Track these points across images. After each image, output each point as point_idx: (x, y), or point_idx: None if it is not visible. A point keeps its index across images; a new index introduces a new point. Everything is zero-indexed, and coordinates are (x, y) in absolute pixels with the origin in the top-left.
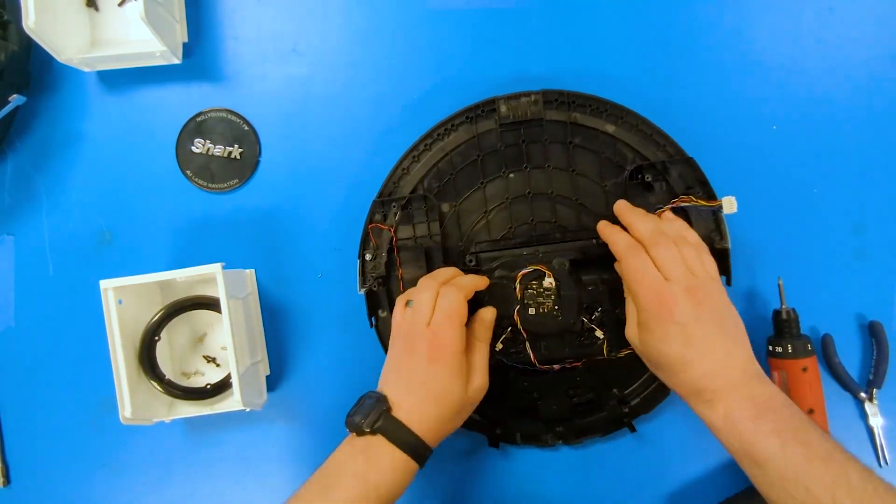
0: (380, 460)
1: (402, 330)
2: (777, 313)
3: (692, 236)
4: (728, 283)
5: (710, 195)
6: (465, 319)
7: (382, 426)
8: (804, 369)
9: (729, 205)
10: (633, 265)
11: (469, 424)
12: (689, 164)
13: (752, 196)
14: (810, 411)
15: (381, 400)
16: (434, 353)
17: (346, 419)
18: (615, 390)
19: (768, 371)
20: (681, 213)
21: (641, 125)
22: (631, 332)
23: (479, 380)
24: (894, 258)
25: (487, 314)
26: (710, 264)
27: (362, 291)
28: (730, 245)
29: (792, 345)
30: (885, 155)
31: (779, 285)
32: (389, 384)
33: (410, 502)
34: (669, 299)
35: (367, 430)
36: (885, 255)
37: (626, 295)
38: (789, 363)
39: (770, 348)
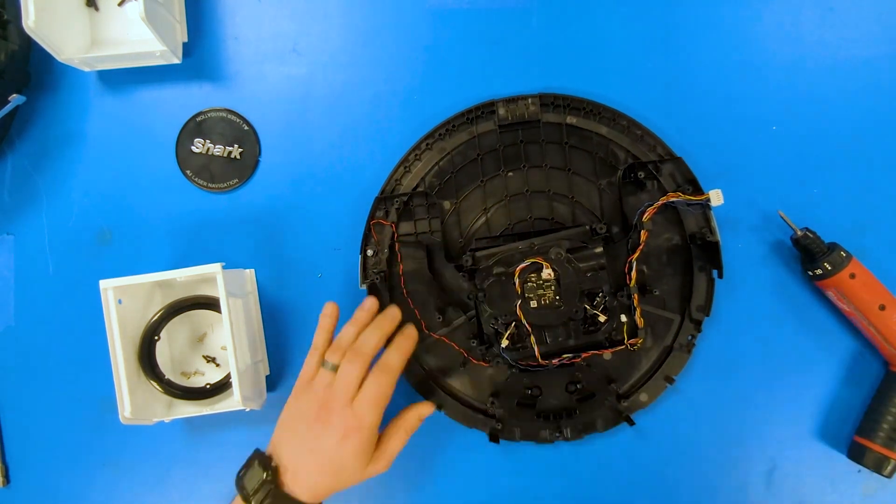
0: None
1: (316, 394)
2: (796, 240)
3: None
4: (720, 275)
5: (699, 193)
6: (388, 402)
7: (270, 502)
8: (852, 276)
9: (716, 197)
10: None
11: (469, 420)
12: (679, 163)
13: (752, 196)
14: (882, 307)
15: (270, 471)
16: (350, 433)
17: (236, 480)
18: (614, 385)
19: (821, 294)
20: (670, 209)
21: (633, 127)
22: None
23: (383, 465)
24: (894, 258)
25: (426, 410)
26: None
27: (363, 287)
28: (719, 239)
29: (828, 261)
30: (885, 155)
31: (781, 216)
32: (286, 448)
33: (410, 497)
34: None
35: None
36: (885, 254)
37: None
38: (835, 279)
39: (810, 274)
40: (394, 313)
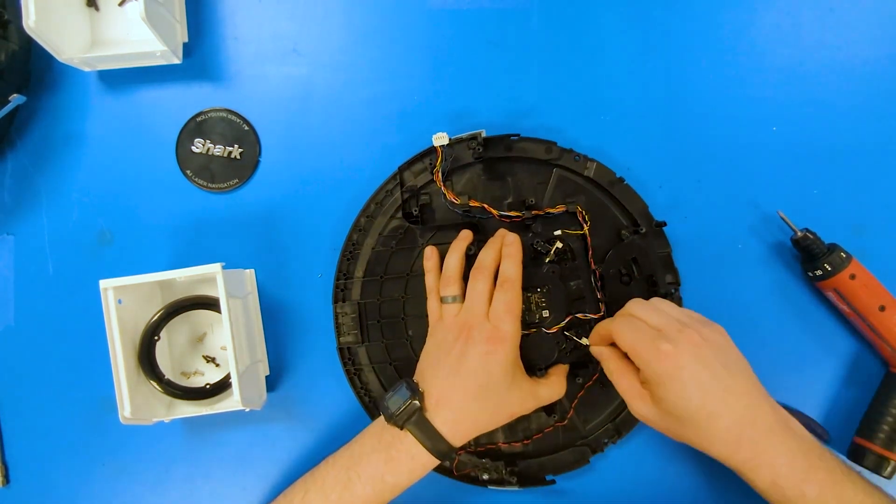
0: (400, 462)
1: (450, 323)
2: (796, 241)
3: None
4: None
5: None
6: (520, 314)
7: (412, 426)
8: (852, 276)
9: (439, 139)
10: (626, 331)
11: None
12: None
13: (752, 196)
14: (882, 308)
15: (416, 394)
16: (493, 343)
17: (381, 403)
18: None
19: (821, 295)
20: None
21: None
22: (642, 406)
23: (532, 404)
24: (894, 258)
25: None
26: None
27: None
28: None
29: (828, 262)
30: (884, 155)
31: (781, 216)
32: (429, 374)
33: None
34: (670, 351)
35: (398, 426)
36: (885, 255)
37: (615, 375)
38: (835, 279)
39: (811, 275)
40: (499, 232)
